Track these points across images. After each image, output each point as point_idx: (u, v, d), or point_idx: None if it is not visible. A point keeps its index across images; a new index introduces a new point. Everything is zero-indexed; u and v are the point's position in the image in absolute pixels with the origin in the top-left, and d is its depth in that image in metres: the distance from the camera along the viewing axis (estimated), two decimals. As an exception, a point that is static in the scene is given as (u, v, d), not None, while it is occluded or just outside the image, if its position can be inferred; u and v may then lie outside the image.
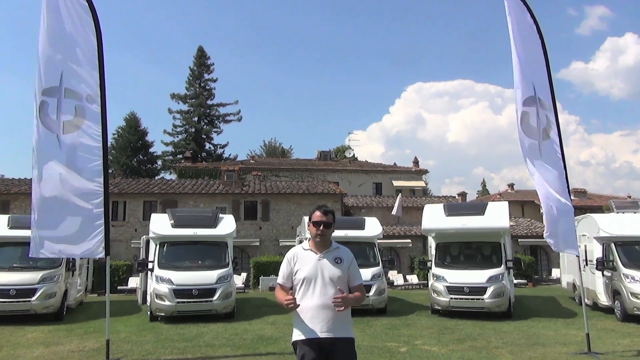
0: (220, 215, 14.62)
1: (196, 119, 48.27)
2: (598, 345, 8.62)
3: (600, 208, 27.41)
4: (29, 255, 7.75)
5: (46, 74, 7.66)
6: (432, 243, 14.28)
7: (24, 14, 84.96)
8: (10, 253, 12.93)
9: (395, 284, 21.85)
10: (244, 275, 22.01)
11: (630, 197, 33.65)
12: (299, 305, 3.50)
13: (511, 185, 37.71)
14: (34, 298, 11.71)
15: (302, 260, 3.68)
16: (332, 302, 3.46)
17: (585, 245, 13.63)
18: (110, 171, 34.04)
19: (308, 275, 3.60)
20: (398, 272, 23.61)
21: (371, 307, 12.85)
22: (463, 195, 32.74)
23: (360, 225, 15.03)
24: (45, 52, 7.69)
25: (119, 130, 46.26)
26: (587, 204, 30.40)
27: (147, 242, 14.63)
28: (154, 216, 14.54)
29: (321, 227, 3.68)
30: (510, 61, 8.67)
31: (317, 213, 3.73)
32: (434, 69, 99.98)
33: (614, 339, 9.43)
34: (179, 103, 48.69)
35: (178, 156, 45.59)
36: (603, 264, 12.30)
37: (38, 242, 7.54)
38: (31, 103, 7.78)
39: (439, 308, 12.67)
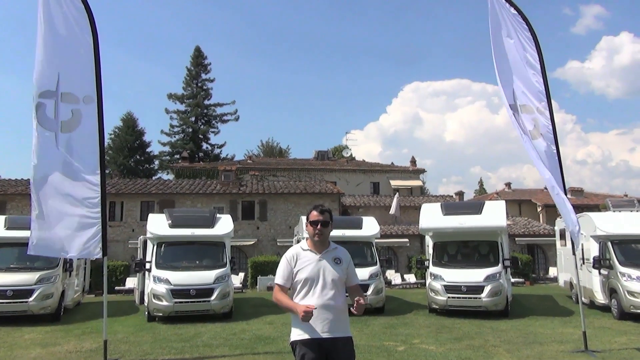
0: (218, 215, 14.62)
1: (193, 119, 48.21)
2: (595, 343, 8.65)
3: (597, 207, 27.48)
4: (27, 253, 7.72)
5: (43, 76, 7.71)
6: (429, 242, 14.30)
7: (24, 14, 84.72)
8: (7, 254, 12.89)
9: (392, 283, 21.86)
10: (241, 275, 22.00)
11: (626, 195, 33.73)
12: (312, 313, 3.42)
13: (508, 184, 37.79)
14: (31, 299, 11.67)
15: (302, 260, 3.67)
16: (354, 310, 3.49)
17: (582, 244, 13.66)
18: (107, 171, 34.00)
19: (309, 276, 3.60)
20: (396, 272, 23.61)
21: (369, 306, 12.79)
22: (460, 194, 32.80)
23: (358, 225, 15.03)
24: (42, 54, 7.73)
25: (116, 130, 46.20)
26: (583, 203, 30.48)
27: (145, 243, 14.62)
28: (151, 216, 14.52)
29: (319, 226, 3.68)
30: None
31: (314, 212, 3.74)
32: (431, 68, 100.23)
33: (611, 337, 9.46)
34: (176, 103, 48.69)
35: (175, 156, 45.57)
36: (600, 263, 12.35)
37: (36, 241, 7.57)
38: (29, 104, 7.83)
39: (437, 307, 12.69)
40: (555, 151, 8.43)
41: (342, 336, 3.56)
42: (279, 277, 3.69)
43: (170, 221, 13.60)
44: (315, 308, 3.42)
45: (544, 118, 8.43)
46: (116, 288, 19.88)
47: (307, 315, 3.36)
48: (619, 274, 11.71)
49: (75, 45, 7.85)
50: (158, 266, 12.62)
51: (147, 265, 12.86)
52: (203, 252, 13.61)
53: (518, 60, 8.59)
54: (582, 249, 13.59)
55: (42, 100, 7.67)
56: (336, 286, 3.60)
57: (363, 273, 12.62)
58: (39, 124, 7.64)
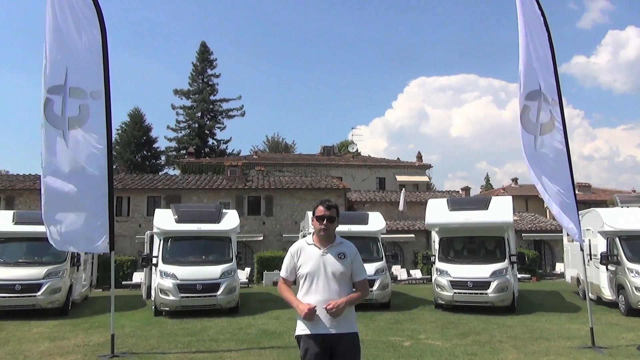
0: (224, 210, 14.66)
1: (199, 114, 48.34)
2: (602, 339, 8.61)
3: (604, 202, 27.33)
4: (54, 245, 7.94)
5: (51, 71, 7.80)
6: (435, 238, 14.27)
7: (31, 13, 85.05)
8: (15, 248, 13.00)
9: (398, 278, 21.87)
10: (247, 270, 22.06)
11: (634, 191, 33.54)
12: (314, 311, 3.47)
13: (515, 180, 37.62)
14: (39, 293, 11.76)
15: (305, 254, 3.68)
16: (326, 310, 3.45)
17: (590, 240, 13.59)
18: (114, 167, 34.15)
19: (311, 271, 3.60)
20: (401, 267, 23.62)
21: (375, 302, 12.87)
22: (466, 189, 32.68)
23: (364, 220, 15.03)
24: (50, 50, 7.81)
25: (123, 126, 46.41)
26: (591, 198, 30.31)
27: (151, 238, 14.69)
28: (157, 211, 14.59)
29: (325, 222, 3.67)
30: (514, 55, 8.66)
31: (321, 207, 3.72)
32: (437, 63, 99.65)
33: (618, 333, 9.42)
34: (182, 99, 48.87)
35: (181, 152, 45.75)
36: (607, 258, 12.26)
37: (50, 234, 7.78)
38: (37, 100, 7.93)
39: (443, 302, 12.67)
40: (564, 148, 8.35)
41: (346, 332, 3.54)
42: (283, 270, 3.77)
43: (176, 216, 13.65)
44: (315, 307, 3.46)
45: (556, 112, 8.37)
46: (123, 283, 20.00)
47: (308, 315, 3.43)
48: (626, 269, 11.64)
49: (84, 41, 7.91)
50: (165, 261, 12.68)
51: (154, 260, 12.94)
52: (209, 247, 13.65)
53: (538, 50, 8.50)
54: (590, 245, 13.52)
55: (50, 96, 7.75)
56: (339, 281, 3.59)
57: (369, 268, 12.59)
58: (47, 122, 7.72)
